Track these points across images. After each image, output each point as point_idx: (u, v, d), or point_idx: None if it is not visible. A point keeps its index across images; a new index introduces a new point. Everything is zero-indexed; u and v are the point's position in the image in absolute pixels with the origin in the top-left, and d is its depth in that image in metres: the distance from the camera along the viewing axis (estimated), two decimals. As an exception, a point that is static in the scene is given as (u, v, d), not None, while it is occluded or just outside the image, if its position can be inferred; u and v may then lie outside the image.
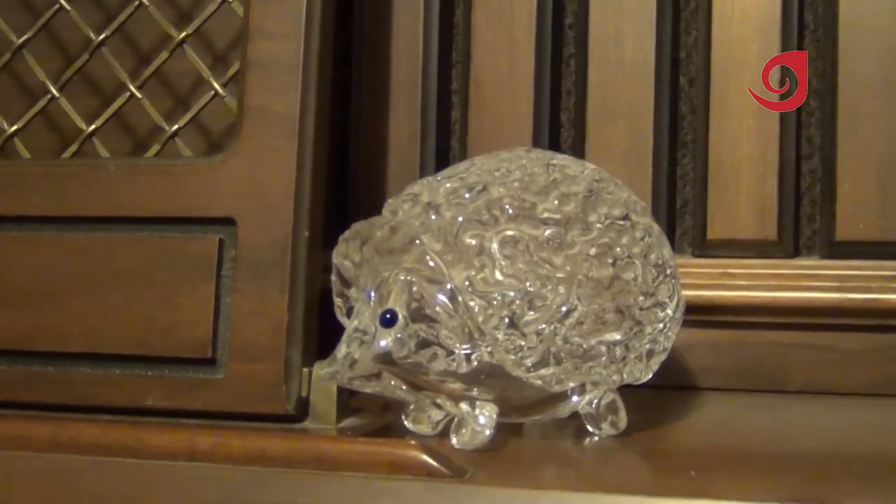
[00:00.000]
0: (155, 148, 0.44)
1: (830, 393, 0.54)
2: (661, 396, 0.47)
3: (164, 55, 0.45)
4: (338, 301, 0.39)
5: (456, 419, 0.38)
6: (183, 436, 0.37)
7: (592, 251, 0.37)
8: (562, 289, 0.36)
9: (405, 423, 0.39)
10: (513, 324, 0.36)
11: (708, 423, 0.48)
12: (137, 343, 0.40)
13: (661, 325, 0.39)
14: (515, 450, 0.39)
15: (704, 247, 0.57)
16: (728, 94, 0.56)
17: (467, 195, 0.38)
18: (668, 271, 0.39)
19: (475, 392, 0.38)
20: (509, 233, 0.36)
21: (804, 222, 0.57)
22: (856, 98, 0.55)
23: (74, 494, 0.37)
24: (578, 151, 0.57)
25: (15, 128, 0.45)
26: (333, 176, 0.56)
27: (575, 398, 0.39)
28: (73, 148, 0.45)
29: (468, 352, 0.36)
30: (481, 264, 0.36)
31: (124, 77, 0.45)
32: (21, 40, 0.46)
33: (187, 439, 0.37)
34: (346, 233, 0.38)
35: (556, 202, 0.37)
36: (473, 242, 0.36)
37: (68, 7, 0.45)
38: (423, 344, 0.36)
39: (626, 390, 0.40)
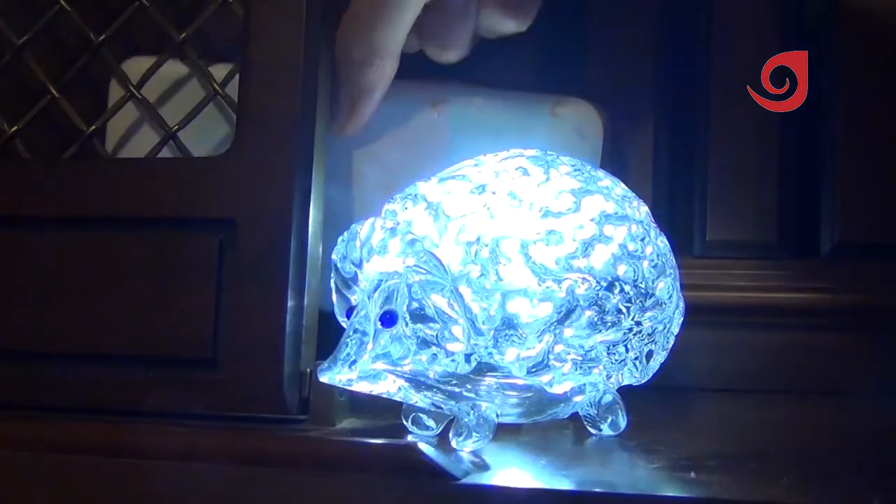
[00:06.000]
0: (154, 148, 0.44)
1: (833, 394, 0.54)
2: (661, 397, 0.47)
3: (164, 56, 0.45)
4: (337, 302, 0.39)
5: (456, 420, 0.38)
6: (182, 437, 0.37)
7: (591, 251, 0.37)
8: (561, 289, 0.36)
9: (405, 423, 0.39)
10: (513, 324, 0.36)
11: (708, 423, 0.48)
12: (137, 344, 0.40)
13: (661, 326, 0.39)
14: (515, 450, 0.39)
15: (705, 247, 0.57)
16: (730, 93, 0.57)
17: (468, 195, 0.38)
18: (668, 272, 0.39)
19: (475, 393, 0.38)
20: (509, 232, 0.36)
21: (805, 223, 0.57)
22: (855, 97, 0.55)
23: (73, 495, 0.37)
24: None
25: (15, 128, 0.45)
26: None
27: (575, 399, 0.39)
28: (73, 149, 0.45)
29: (468, 352, 0.36)
30: (481, 264, 0.36)
31: (125, 77, 0.45)
32: (21, 41, 0.46)
33: (187, 440, 0.37)
34: (346, 233, 0.38)
35: (555, 201, 0.37)
36: (473, 242, 0.36)
37: (68, 7, 0.45)
38: (423, 344, 0.36)
39: (625, 391, 0.40)
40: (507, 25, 0.49)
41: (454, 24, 0.48)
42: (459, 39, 0.48)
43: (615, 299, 0.37)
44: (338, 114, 0.45)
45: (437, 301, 0.35)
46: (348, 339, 0.37)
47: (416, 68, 0.47)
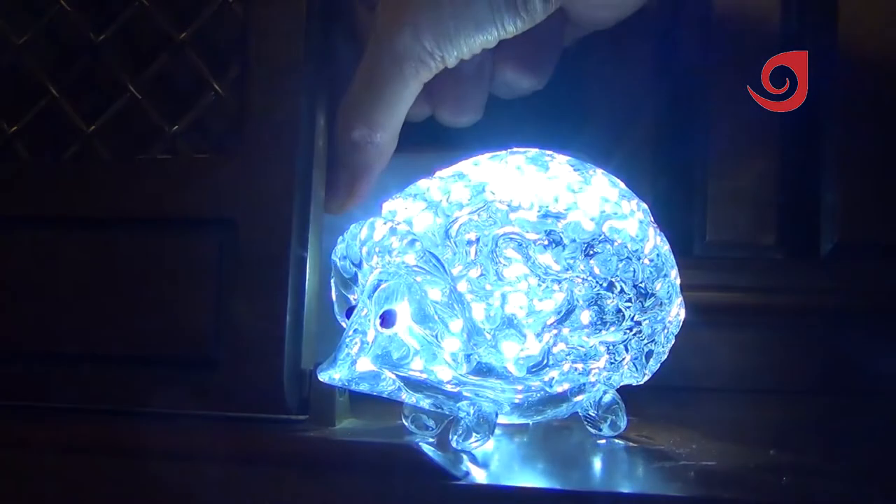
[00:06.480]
0: (155, 149, 0.44)
1: (832, 393, 0.54)
2: (661, 397, 0.47)
3: (164, 56, 0.45)
4: (337, 302, 0.39)
5: (455, 420, 0.38)
6: (182, 437, 0.37)
7: (592, 251, 0.37)
8: (561, 289, 0.36)
9: (405, 423, 0.40)
10: (512, 324, 0.36)
11: (707, 423, 0.48)
12: (137, 344, 0.40)
13: (660, 326, 0.39)
14: (515, 450, 0.39)
15: (705, 247, 0.57)
16: (730, 93, 0.56)
17: (467, 194, 0.38)
18: (668, 272, 0.39)
19: (475, 393, 0.38)
20: (509, 232, 0.36)
21: (804, 223, 0.57)
22: (855, 98, 0.55)
23: (74, 495, 0.37)
24: (579, 151, 0.57)
25: (15, 128, 0.45)
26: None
27: (574, 399, 0.39)
28: (73, 149, 0.45)
29: (468, 352, 0.36)
30: (481, 264, 0.36)
31: (124, 78, 0.45)
32: (21, 41, 0.46)
33: (187, 440, 0.37)
34: (346, 233, 0.38)
35: (555, 201, 0.37)
36: (473, 242, 0.36)
37: (68, 7, 0.45)
38: (423, 344, 0.36)
39: (625, 391, 0.40)
40: (525, 84, 0.47)
41: (467, 88, 0.46)
42: (473, 103, 0.47)
43: (615, 299, 0.37)
44: (335, 191, 0.44)
45: (437, 301, 0.35)
46: (348, 339, 0.37)
47: (411, 136, 0.46)
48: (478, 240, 0.36)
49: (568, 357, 0.37)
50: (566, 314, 0.36)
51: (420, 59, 0.42)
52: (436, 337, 0.36)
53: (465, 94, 0.47)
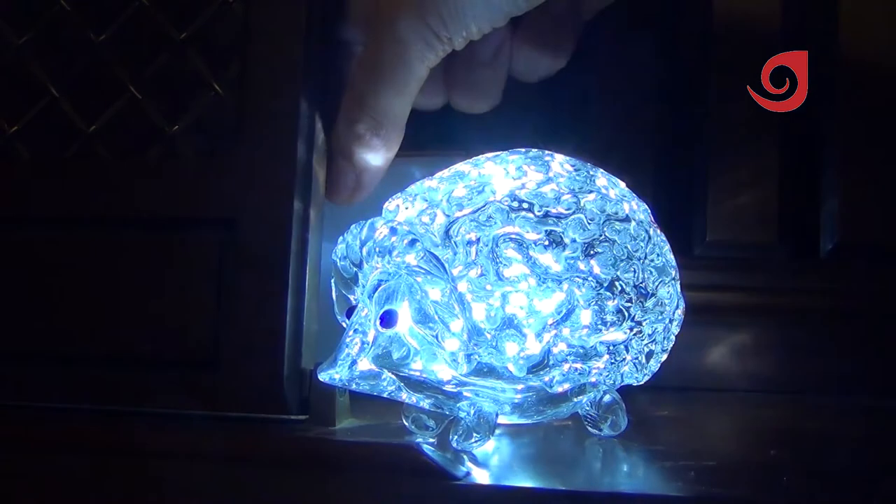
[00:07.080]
0: (155, 149, 0.44)
1: (832, 394, 0.54)
2: (661, 397, 0.47)
3: (164, 56, 0.45)
4: (337, 302, 0.39)
5: (455, 420, 0.38)
6: (182, 437, 0.37)
7: (592, 251, 0.37)
8: (562, 289, 0.36)
9: (405, 423, 0.39)
10: (512, 324, 0.36)
11: (708, 423, 0.48)
12: (137, 344, 0.40)
13: (661, 327, 0.39)
14: (515, 450, 0.39)
15: (705, 247, 0.57)
16: (730, 93, 0.56)
17: (467, 195, 0.38)
18: (669, 272, 0.39)
19: (475, 393, 0.38)
20: (509, 232, 0.36)
21: (805, 223, 0.57)
22: (856, 98, 0.55)
23: (73, 495, 0.37)
24: (579, 152, 0.57)
25: (15, 128, 0.45)
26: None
27: (575, 399, 0.39)
28: (73, 149, 0.45)
29: (468, 352, 0.36)
30: (481, 264, 0.36)
31: (124, 78, 0.45)
32: (21, 41, 0.46)
33: (187, 440, 0.37)
34: (346, 233, 0.38)
35: (555, 201, 0.37)
36: (473, 242, 0.36)
37: (68, 7, 0.45)
38: (424, 344, 0.36)
39: (625, 391, 0.40)
40: (545, 64, 0.46)
41: (484, 73, 0.45)
42: (490, 88, 0.46)
43: (615, 299, 0.37)
44: (340, 185, 0.43)
45: (437, 301, 0.35)
46: (348, 339, 0.37)
47: (411, 136, 0.45)
48: (478, 240, 0.36)
49: (568, 357, 0.37)
50: (567, 314, 0.36)
51: (425, 41, 0.40)
52: (436, 337, 0.36)
53: (482, 80, 0.45)
